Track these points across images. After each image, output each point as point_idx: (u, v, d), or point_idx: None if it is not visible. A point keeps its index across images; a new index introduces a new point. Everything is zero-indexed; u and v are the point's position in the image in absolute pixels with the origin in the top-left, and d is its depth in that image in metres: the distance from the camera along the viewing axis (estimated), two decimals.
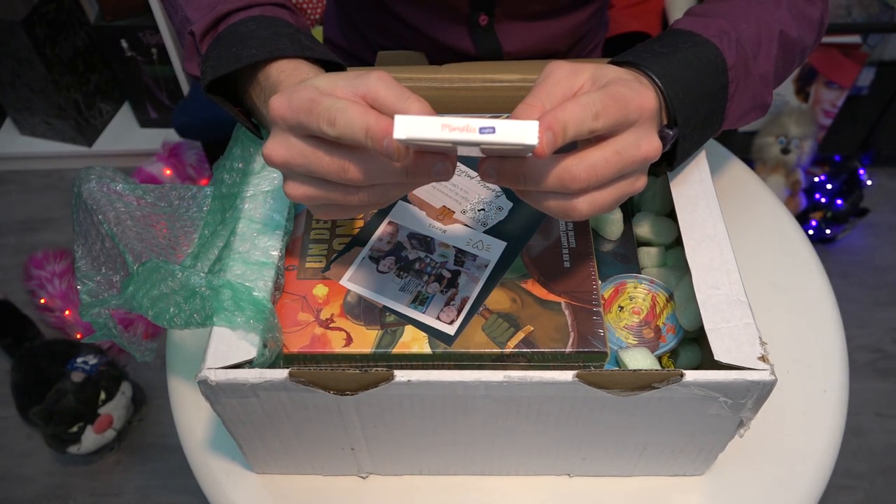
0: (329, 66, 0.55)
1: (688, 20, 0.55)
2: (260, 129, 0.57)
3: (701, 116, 0.51)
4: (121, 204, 0.56)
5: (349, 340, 0.50)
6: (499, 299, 0.52)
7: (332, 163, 0.41)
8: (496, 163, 0.41)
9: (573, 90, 0.42)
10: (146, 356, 0.55)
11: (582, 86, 0.43)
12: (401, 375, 0.44)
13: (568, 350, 0.49)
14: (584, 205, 0.41)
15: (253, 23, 0.54)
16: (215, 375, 0.45)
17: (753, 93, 0.55)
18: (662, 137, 0.48)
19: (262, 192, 0.55)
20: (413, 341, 0.50)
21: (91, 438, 1.29)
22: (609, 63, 0.52)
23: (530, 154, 0.39)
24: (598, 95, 0.40)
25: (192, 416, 0.61)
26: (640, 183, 0.44)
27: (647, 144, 0.42)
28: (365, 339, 0.50)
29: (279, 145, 0.42)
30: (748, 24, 0.54)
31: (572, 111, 0.38)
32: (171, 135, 1.69)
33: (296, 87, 0.42)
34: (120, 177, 0.58)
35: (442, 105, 0.63)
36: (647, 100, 0.42)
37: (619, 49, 0.56)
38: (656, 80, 0.48)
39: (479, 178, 0.49)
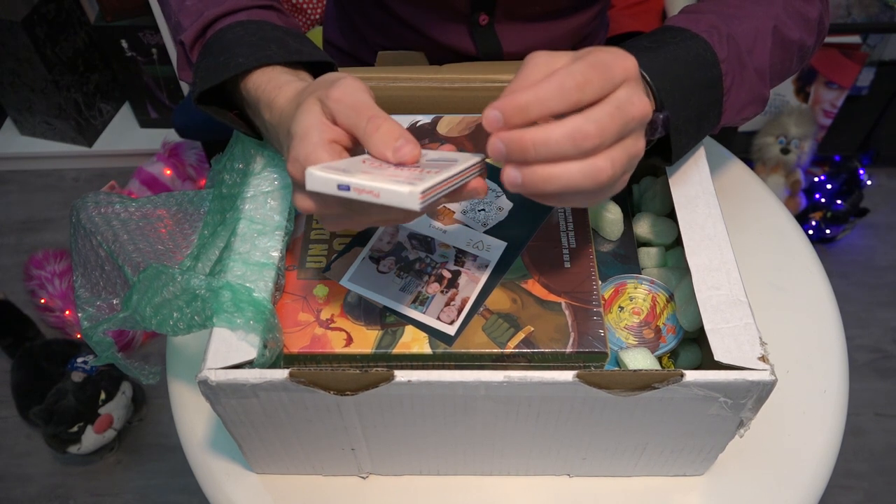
0: (319, 66, 0.55)
1: (679, 18, 0.56)
2: (259, 130, 0.57)
3: (694, 109, 0.51)
4: (117, 221, 0.56)
5: (349, 341, 0.50)
6: (499, 299, 0.52)
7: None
8: (504, 136, 0.40)
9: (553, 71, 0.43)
10: (150, 379, 0.55)
11: (562, 66, 0.43)
12: (401, 376, 0.44)
13: (568, 350, 0.49)
14: (605, 161, 0.40)
15: (240, 28, 0.54)
16: (215, 376, 0.45)
17: (750, 86, 0.55)
18: (653, 122, 0.49)
19: (263, 192, 0.55)
20: (413, 341, 0.50)
21: (91, 438, 1.29)
22: None
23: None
24: (580, 66, 0.40)
25: (192, 416, 0.61)
26: (641, 143, 0.44)
27: (640, 102, 0.42)
28: (365, 340, 0.50)
29: (306, 200, 0.44)
30: (741, 21, 0.55)
31: (543, 89, 0.39)
32: (171, 135, 1.69)
33: (296, 158, 0.43)
34: (116, 197, 0.58)
35: (442, 105, 0.63)
36: (629, 61, 0.42)
37: None
38: (643, 74, 0.49)
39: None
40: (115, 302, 0.56)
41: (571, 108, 0.40)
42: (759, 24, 0.56)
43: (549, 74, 0.41)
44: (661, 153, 0.54)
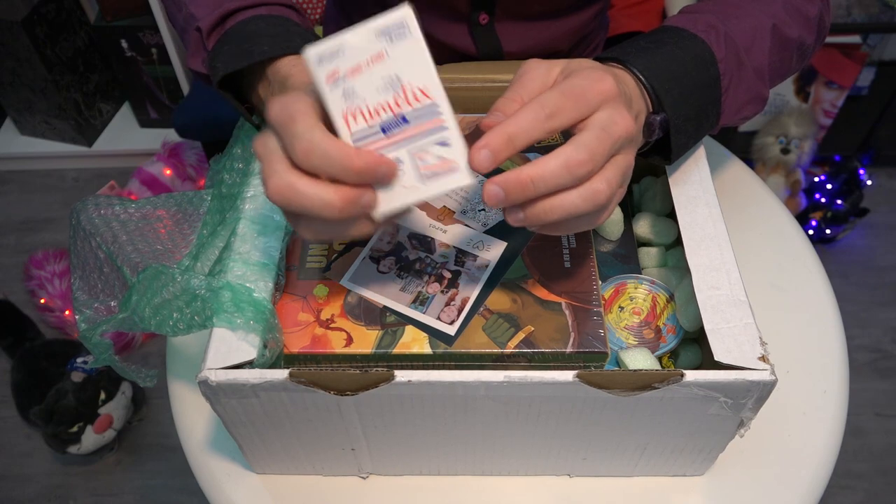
0: None
1: (678, 18, 0.56)
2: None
3: (693, 109, 0.52)
4: (117, 223, 0.56)
5: (349, 341, 0.50)
6: (499, 299, 0.52)
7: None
8: (499, 180, 0.41)
9: (548, 84, 0.45)
10: (147, 382, 0.55)
11: (556, 79, 0.45)
12: (401, 376, 0.44)
13: (568, 350, 0.49)
14: (601, 183, 0.42)
15: (262, 21, 0.55)
16: (216, 376, 0.45)
17: (748, 85, 0.55)
18: (650, 124, 0.49)
19: (263, 192, 0.55)
20: (413, 341, 0.50)
21: (91, 438, 1.29)
22: (593, 59, 0.52)
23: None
24: (552, 95, 0.42)
25: (192, 416, 0.61)
26: (631, 157, 0.45)
27: (622, 120, 0.43)
28: (365, 340, 0.50)
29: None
30: (739, 20, 0.55)
31: (522, 120, 0.41)
32: (171, 135, 1.69)
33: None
34: (116, 199, 0.58)
35: None
36: (606, 84, 0.43)
37: None
38: (639, 75, 0.49)
39: (479, 179, 0.49)
40: (112, 304, 0.56)
41: (547, 135, 0.41)
42: (758, 23, 0.56)
43: (544, 88, 0.43)
44: (661, 152, 0.54)
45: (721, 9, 0.56)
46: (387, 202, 0.43)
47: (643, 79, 0.49)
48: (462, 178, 0.42)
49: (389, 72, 0.41)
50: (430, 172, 0.42)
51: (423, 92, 0.41)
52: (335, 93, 0.41)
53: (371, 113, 0.41)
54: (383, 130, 0.42)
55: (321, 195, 0.40)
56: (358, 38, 0.40)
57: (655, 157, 0.55)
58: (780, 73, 0.59)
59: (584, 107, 0.42)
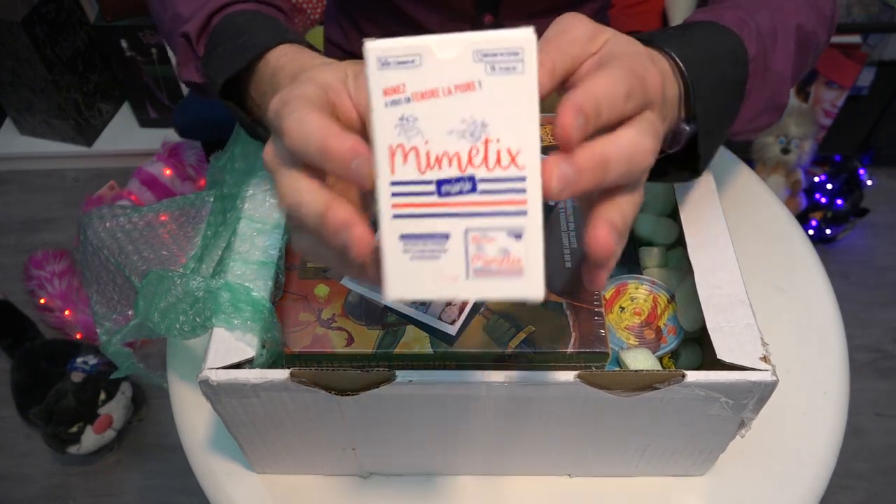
0: None
1: (700, 12, 0.50)
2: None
3: (720, 109, 0.46)
4: (121, 233, 0.57)
5: (350, 340, 0.50)
6: None
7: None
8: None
9: (588, 54, 0.37)
10: (163, 383, 0.55)
11: (597, 50, 0.37)
12: (402, 375, 0.44)
13: (569, 350, 0.49)
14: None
15: (251, 14, 0.52)
16: (216, 375, 0.45)
17: (770, 91, 0.50)
18: (678, 133, 0.44)
19: (263, 191, 0.55)
20: (414, 341, 0.50)
21: (91, 438, 1.29)
22: None
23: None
24: (624, 73, 0.33)
25: (193, 416, 0.61)
26: (648, 150, 0.36)
27: (651, 144, 0.35)
28: (366, 339, 0.50)
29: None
30: (763, 17, 0.49)
31: (604, 87, 0.32)
32: (171, 135, 1.69)
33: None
34: (119, 209, 0.58)
35: None
36: (657, 77, 0.36)
37: None
38: (679, 63, 0.42)
39: None
40: (130, 313, 0.56)
41: (618, 119, 0.34)
42: (781, 22, 0.50)
43: (582, 59, 0.36)
44: (686, 164, 0.48)
45: (742, 2, 0.51)
46: (410, 287, 0.32)
47: (682, 68, 0.42)
48: (529, 290, 0.31)
49: (475, 113, 0.30)
50: (485, 267, 0.31)
51: (511, 156, 0.30)
52: (388, 115, 0.30)
53: (430, 160, 0.30)
54: (439, 188, 0.30)
55: (314, 199, 0.32)
56: (448, 51, 0.29)
57: (683, 171, 0.48)
58: (797, 78, 0.54)
59: (645, 97, 0.35)
